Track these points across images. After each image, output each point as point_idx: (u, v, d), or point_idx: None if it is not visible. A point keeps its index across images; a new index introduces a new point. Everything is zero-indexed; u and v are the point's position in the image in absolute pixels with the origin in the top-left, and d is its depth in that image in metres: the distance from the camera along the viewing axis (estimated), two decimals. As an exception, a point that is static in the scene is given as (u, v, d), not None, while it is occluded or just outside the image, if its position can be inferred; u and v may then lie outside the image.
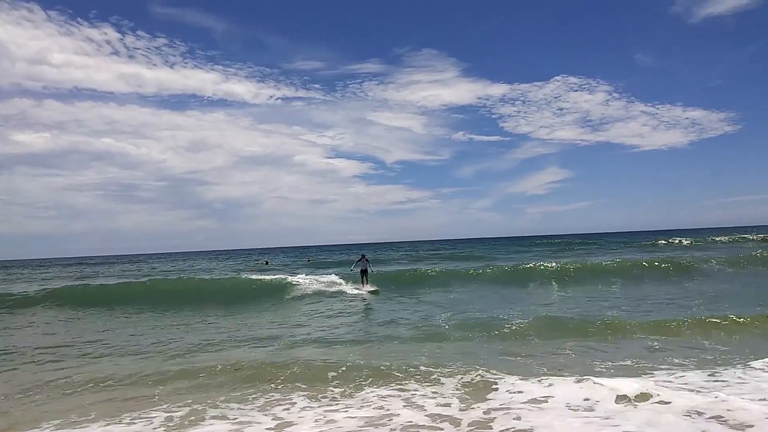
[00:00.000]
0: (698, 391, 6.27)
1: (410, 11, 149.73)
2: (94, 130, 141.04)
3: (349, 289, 21.20)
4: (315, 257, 59.57)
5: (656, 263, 24.90)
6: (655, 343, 9.91)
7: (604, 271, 23.86)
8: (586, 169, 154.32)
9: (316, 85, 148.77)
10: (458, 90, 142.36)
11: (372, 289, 21.12)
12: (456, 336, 11.20)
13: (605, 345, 9.99)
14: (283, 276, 24.55)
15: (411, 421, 5.79)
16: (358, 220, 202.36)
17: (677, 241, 54.41)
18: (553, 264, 24.85)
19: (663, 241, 56.30)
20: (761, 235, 55.23)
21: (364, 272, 21.83)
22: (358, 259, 22.62)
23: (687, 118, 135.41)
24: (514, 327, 11.81)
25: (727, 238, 54.94)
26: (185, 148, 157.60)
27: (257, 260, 49.60)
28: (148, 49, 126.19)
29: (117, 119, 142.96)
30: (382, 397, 6.85)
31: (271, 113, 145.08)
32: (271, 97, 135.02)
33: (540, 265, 25.06)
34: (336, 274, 24.05)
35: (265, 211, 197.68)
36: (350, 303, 18.50)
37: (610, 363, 8.44)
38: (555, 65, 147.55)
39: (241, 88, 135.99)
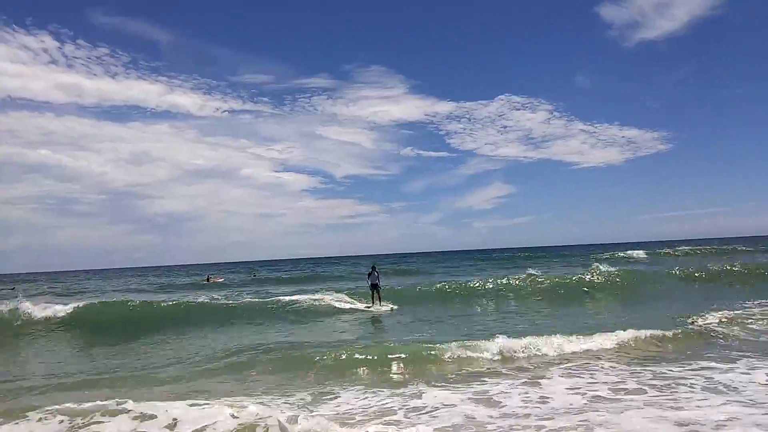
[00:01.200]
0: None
1: (359, 28, 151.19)
2: (29, 141, 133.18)
3: (357, 305, 19.12)
4: (259, 272, 58.27)
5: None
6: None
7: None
8: (528, 184, 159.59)
9: (264, 99, 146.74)
10: (406, 106, 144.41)
11: (386, 307, 18.57)
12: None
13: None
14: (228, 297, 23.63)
15: None
16: (307, 235, 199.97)
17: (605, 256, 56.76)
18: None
19: (608, 255, 58.48)
20: (685, 248, 58.49)
21: (375, 286, 19.25)
22: (368, 271, 19.70)
23: (623, 136, 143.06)
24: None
25: (672, 250, 57.62)
26: (127, 160, 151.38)
27: (208, 277, 47.57)
28: (89, 58, 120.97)
29: (54, 130, 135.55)
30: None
31: (217, 126, 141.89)
32: (218, 109, 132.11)
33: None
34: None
35: (210, 225, 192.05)
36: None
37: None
38: (499, 85, 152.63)
39: (186, 100, 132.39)
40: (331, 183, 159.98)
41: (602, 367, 8.85)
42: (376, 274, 19.39)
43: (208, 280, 44.79)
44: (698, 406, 6.58)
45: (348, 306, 19.31)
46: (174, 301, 19.44)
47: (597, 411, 6.39)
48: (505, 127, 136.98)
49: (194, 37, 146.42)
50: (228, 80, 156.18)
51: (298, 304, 19.05)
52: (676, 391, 7.28)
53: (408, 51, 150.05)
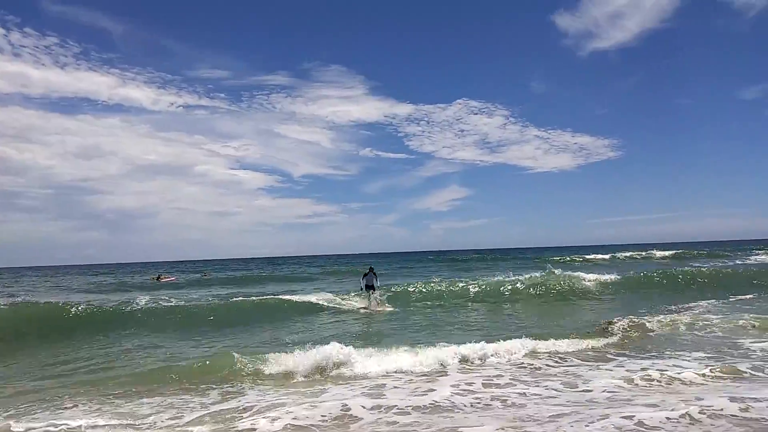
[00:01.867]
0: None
1: (319, 26, 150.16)
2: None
3: (348, 305, 18.62)
4: (211, 272, 56.82)
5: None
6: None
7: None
8: (484, 188, 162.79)
9: (221, 95, 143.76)
10: (366, 107, 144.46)
11: (380, 308, 17.86)
12: None
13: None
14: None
15: None
16: (263, 234, 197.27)
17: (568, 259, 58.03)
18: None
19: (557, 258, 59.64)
20: (632, 253, 60.38)
21: (370, 287, 18.68)
22: (365, 272, 19.18)
23: (575, 143, 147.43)
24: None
25: (627, 255, 59.03)
26: (75, 154, 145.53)
27: (158, 276, 45.62)
28: (37, 47, 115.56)
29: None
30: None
31: (171, 121, 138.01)
32: (172, 104, 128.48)
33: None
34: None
35: (162, 222, 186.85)
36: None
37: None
38: (457, 89, 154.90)
39: (139, 93, 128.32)
40: (288, 182, 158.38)
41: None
42: (372, 275, 18.90)
43: (158, 279, 42.97)
44: (536, 403, 6.76)
45: (332, 305, 18.70)
46: (91, 304, 17.40)
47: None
48: (463, 130, 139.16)
49: (149, 29, 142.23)
50: (184, 75, 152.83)
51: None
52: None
53: (368, 52, 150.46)
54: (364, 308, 18.17)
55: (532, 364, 9.26)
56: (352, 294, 20.55)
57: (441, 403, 6.94)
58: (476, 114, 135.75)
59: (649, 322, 12.93)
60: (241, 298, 20.24)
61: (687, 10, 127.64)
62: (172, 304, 18.14)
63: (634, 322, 12.96)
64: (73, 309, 15.88)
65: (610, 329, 12.36)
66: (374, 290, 18.75)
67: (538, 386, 7.66)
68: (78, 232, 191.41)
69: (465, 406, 6.83)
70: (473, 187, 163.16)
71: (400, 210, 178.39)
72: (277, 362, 9.17)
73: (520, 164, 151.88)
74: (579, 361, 9.51)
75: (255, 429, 6.06)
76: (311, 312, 17.91)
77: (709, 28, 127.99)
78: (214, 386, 8.23)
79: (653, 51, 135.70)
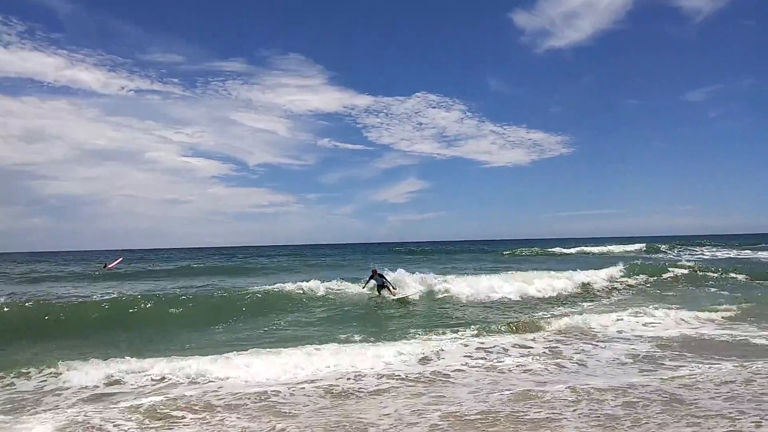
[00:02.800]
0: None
1: (277, 13, 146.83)
2: None
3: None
4: (157, 260, 55.21)
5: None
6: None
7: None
8: (441, 181, 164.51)
9: (175, 80, 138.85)
10: (324, 97, 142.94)
11: (401, 295, 18.02)
12: None
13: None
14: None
15: None
16: (216, 223, 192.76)
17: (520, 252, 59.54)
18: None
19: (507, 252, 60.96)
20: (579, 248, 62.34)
21: (382, 287, 18.36)
22: (368, 276, 18.68)
23: (530, 139, 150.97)
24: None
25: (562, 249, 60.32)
26: (18, 137, 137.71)
27: (105, 264, 43.60)
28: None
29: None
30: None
31: (121, 105, 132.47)
32: (123, 88, 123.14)
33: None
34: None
35: (111, 210, 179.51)
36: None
37: None
38: (416, 82, 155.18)
39: (88, 76, 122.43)
40: (243, 171, 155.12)
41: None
42: (380, 276, 18.51)
43: (105, 267, 41.10)
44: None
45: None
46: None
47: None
48: (421, 124, 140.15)
49: (99, 9, 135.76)
50: (136, 58, 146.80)
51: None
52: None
53: (328, 42, 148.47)
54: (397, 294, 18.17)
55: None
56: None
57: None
58: (434, 108, 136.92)
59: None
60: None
61: (638, 14, 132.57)
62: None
63: None
64: None
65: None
66: (390, 288, 18.37)
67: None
68: (19, 218, 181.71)
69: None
70: (430, 179, 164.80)
71: (357, 201, 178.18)
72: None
73: (477, 158, 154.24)
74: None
75: None
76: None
77: (659, 31, 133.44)
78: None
79: (606, 51, 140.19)
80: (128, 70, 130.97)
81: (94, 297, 18.05)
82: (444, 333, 12.09)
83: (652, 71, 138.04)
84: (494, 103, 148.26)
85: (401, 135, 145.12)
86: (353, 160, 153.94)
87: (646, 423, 5.80)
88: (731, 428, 5.54)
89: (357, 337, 11.76)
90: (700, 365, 8.76)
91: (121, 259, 42.65)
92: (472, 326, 12.80)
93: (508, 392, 7.12)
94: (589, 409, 6.27)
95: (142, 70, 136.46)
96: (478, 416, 6.11)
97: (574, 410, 6.25)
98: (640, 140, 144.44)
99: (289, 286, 19.02)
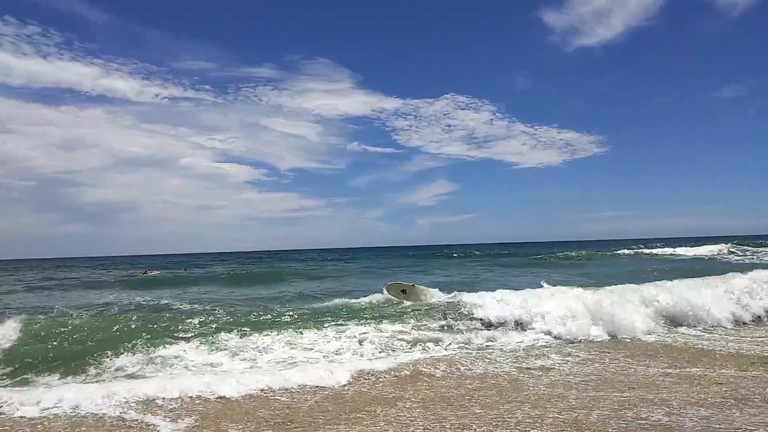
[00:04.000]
0: None
1: (305, 18, 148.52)
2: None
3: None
4: (191, 265, 55.79)
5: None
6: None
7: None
8: (471, 183, 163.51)
9: (207, 86, 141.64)
10: (353, 101, 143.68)
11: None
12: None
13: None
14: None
15: None
16: (248, 228, 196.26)
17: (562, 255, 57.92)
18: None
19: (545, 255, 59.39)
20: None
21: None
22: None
23: (561, 139, 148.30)
24: None
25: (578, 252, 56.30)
26: (57, 145, 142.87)
27: (146, 270, 44.61)
28: (18, 36, 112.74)
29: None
30: None
31: (155, 113, 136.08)
32: (157, 95, 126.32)
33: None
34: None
35: (146, 216, 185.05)
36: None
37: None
38: (445, 84, 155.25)
39: (123, 84, 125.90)
40: (274, 176, 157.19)
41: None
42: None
43: (145, 272, 41.78)
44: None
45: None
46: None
47: None
48: (450, 125, 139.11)
49: (133, 18, 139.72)
50: (169, 66, 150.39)
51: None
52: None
53: (355, 45, 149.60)
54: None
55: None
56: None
57: None
58: (463, 109, 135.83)
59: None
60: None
61: (671, 10, 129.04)
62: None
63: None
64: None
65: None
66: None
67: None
68: (59, 225, 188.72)
69: None
70: (460, 182, 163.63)
71: (387, 204, 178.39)
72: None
73: (507, 159, 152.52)
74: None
75: None
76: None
77: (692, 27, 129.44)
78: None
79: (637, 49, 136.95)
80: (162, 77, 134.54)
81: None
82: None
83: (685, 68, 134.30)
84: (524, 103, 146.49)
85: (430, 137, 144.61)
86: (382, 164, 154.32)
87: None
88: None
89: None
90: None
91: (159, 272, 43.54)
92: None
93: None
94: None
95: (175, 77, 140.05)
96: None
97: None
98: (673, 138, 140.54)
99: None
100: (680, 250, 54.73)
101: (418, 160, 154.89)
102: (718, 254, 49.03)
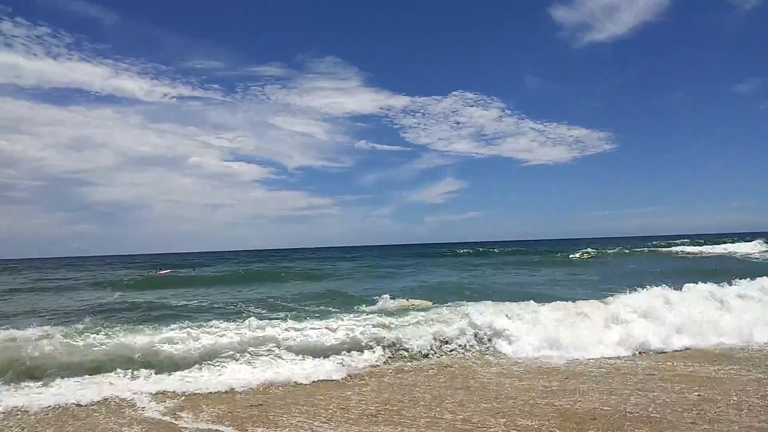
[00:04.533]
0: None
1: (312, 16, 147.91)
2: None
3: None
4: (198, 264, 56.17)
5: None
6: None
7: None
8: (479, 180, 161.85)
9: (215, 86, 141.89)
10: (361, 99, 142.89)
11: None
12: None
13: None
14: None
15: None
16: (257, 226, 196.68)
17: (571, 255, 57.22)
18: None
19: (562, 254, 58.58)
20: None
21: None
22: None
23: (571, 135, 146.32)
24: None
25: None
26: (67, 145, 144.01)
27: (155, 267, 45.27)
28: (28, 37, 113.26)
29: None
30: None
31: (164, 112, 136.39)
32: (166, 95, 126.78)
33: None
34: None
35: (155, 214, 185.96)
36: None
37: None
38: (453, 81, 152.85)
39: (132, 84, 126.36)
40: (283, 174, 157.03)
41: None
42: None
43: (157, 272, 42.28)
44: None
45: None
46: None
47: None
48: (458, 123, 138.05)
49: (141, 18, 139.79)
50: (177, 65, 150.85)
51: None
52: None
53: (363, 43, 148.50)
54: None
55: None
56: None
57: None
58: (472, 106, 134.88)
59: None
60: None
61: (683, 4, 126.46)
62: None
63: None
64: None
65: None
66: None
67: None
68: (69, 224, 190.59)
69: None
70: (468, 179, 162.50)
71: (395, 202, 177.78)
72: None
73: (516, 156, 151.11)
74: None
75: None
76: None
77: (705, 21, 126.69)
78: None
79: (649, 44, 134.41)
80: (170, 77, 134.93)
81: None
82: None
83: (698, 63, 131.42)
84: (533, 100, 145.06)
85: (438, 135, 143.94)
86: (390, 161, 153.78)
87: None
88: None
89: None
90: None
91: (170, 271, 44.23)
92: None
93: None
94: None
95: (184, 77, 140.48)
96: None
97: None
98: (685, 135, 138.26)
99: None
100: (706, 248, 52.42)
101: (426, 157, 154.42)
102: (754, 252, 45.78)
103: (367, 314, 11.62)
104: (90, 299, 21.98)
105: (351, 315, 11.31)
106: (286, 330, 9.55)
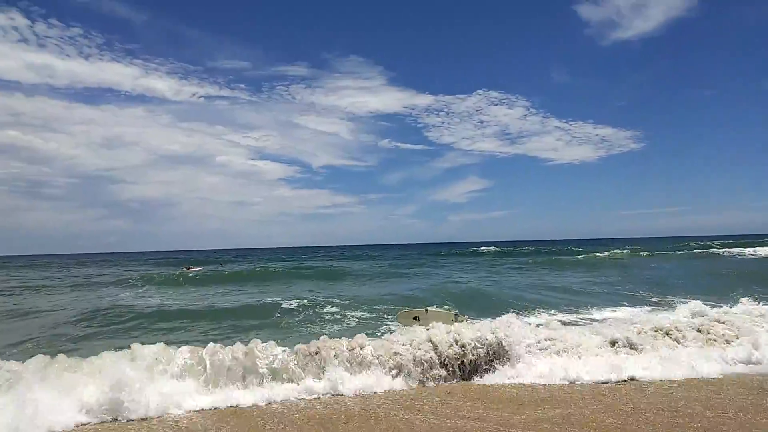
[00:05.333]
0: None
1: (337, 16, 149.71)
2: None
3: None
4: (226, 261, 57.35)
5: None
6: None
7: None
8: (503, 179, 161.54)
9: (242, 85, 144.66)
10: (385, 98, 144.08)
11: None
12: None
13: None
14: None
15: None
16: (282, 224, 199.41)
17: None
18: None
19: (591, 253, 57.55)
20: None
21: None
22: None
23: (597, 134, 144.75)
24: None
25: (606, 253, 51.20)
26: (99, 144, 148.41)
27: (188, 267, 45.94)
28: (61, 38, 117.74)
29: (24, 111, 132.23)
30: None
31: (193, 111, 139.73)
32: (194, 94, 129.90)
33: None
34: None
35: (184, 212, 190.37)
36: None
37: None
38: (477, 79, 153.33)
39: (161, 84, 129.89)
40: (307, 173, 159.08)
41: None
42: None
43: (188, 269, 42.58)
44: None
45: None
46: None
47: None
48: (482, 121, 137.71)
49: (170, 18, 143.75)
50: (205, 65, 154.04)
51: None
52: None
53: (387, 42, 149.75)
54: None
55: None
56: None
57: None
58: (496, 105, 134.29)
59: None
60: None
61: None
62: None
63: None
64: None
65: None
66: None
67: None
68: (101, 221, 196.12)
69: None
70: (492, 178, 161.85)
71: (418, 201, 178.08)
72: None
73: (541, 156, 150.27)
74: None
75: None
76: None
77: (735, 17, 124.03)
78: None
79: (677, 40, 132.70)
80: (198, 77, 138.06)
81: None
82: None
83: (727, 59, 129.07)
84: (559, 98, 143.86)
85: (462, 134, 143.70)
86: (414, 160, 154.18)
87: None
88: None
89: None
90: None
91: (202, 268, 44.59)
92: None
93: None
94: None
95: (211, 76, 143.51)
96: None
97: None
98: (712, 132, 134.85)
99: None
100: (752, 250, 48.97)
101: (450, 156, 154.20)
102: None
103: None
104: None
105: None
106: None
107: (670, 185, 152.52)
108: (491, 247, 75.15)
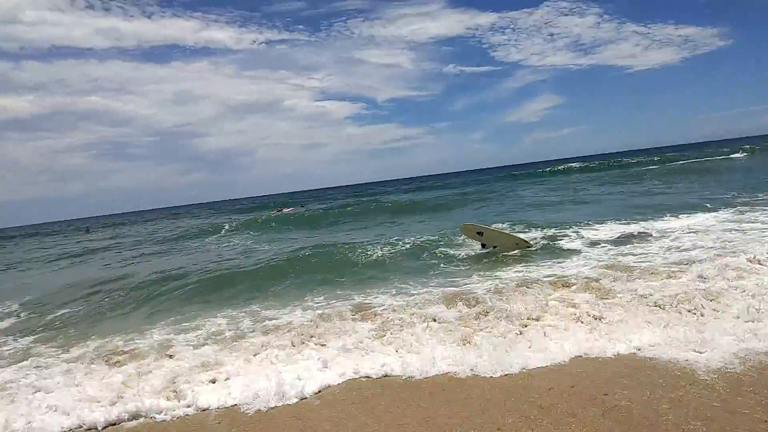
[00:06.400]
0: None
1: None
2: (77, 89, 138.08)
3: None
4: (306, 203, 58.70)
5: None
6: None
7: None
8: (579, 93, 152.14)
9: (300, 26, 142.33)
10: (446, 21, 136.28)
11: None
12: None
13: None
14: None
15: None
16: (353, 162, 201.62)
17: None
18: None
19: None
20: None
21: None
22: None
23: (680, 35, 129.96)
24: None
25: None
26: (172, 101, 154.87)
27: (281, 208, 47.96)
28: None
29: (99, 76, 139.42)
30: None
31: (255, 59, 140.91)
32: (254, 41, 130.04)
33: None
34: None
35: (259, 159, 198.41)
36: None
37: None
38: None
39: (222, 34, 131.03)
40: (373, 108, 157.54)
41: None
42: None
43: (280, 210, 44.23)
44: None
45: None
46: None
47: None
48: (552, 34, 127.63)
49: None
50: (261, 10, 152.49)
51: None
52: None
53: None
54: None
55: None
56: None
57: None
58: (566, 15, 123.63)
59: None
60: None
61: None
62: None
63: None
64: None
65: None
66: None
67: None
68: (183, 175, 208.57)
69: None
70: (566, 93, 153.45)
71: (487, 126, 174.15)
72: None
73: (618, 64, 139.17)
74: None
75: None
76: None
77: None
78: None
79: None
80: (256, 23, 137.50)
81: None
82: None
83: None
84: (634, 0, 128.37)
85: (531, 50, 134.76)
86: (481, 84, 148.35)
87: None
88: None
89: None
90: None
91: (294, 209, 45.32)
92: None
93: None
94: None
95: (269, 21, 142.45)
96: None
97: None
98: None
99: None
100: None
101: (519, 75, 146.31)
102: None
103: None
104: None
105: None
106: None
107: (763, 82, 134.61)
108: (575, 164, 70.14)
